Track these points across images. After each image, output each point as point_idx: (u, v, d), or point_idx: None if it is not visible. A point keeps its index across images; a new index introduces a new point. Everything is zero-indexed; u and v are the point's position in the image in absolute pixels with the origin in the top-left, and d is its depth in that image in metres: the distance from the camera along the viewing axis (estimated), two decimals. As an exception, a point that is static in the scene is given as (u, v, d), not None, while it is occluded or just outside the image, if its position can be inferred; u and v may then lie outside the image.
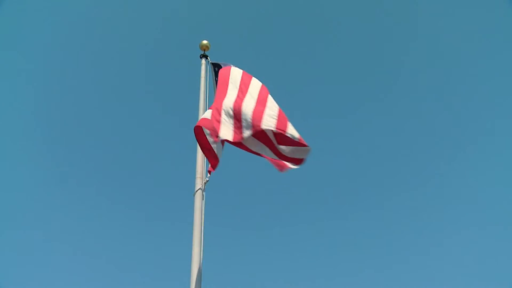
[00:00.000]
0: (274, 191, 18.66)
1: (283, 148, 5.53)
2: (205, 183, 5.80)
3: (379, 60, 20.26)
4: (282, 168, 6.01)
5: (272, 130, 5.31)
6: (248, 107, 5.51)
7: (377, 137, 19.70)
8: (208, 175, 5.77)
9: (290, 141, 5.34)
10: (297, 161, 5.53)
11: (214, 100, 6.00)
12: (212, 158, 5.45)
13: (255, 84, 6.16)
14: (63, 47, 18.44)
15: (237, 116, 5.47)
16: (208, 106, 6.77)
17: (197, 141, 5.49)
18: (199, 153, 6.13)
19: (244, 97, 5.85)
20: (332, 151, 19.74)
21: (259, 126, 5.25)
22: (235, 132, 5.36)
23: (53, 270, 15.14)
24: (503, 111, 17.32)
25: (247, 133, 5.27)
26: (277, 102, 5.82)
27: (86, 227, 16.73)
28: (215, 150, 5.40)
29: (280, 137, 5.44)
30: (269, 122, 5.26)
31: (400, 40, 20.08)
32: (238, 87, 6.12)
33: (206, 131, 5.42)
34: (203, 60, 7.45)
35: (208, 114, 5.61)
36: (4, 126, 16.57)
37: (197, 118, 6.57)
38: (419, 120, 19.40)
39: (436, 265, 15.78)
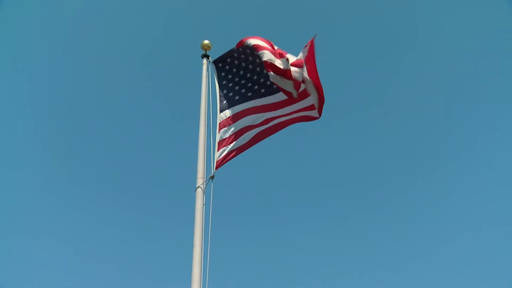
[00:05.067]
0: (276, 191, 18.68)
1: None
2: (211, 177, 5.88)
3: (379, 61, 20.28)
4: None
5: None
6: None
7: (379, 138, 19.72)
8: (214, 170, 5.95)
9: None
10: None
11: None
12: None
13: None
14: (64, 48, 18.46)
15: None
16: (209, 105, 6.82)
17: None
18: (201, 152, 6.16)
19: None
20: (333, 152, 19.75)
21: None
22: None
23: (54, 270, 15.14)
24: (504, 110, 17.35)
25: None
26: None
27: (89, 227, 16.74)
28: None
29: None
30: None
31: (400, 41, 20.11)
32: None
33: None
34: (205, 60, 7.43)
35: None
36: (5, 126, 16.57)
37: (199, 117, 6.60)
38: (421, 121, 19.43)
39: (437, 265, 15.78)
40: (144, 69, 20.04)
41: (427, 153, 18.93)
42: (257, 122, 6.69)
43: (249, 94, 6.98)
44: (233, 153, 6.28)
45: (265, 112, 6.79)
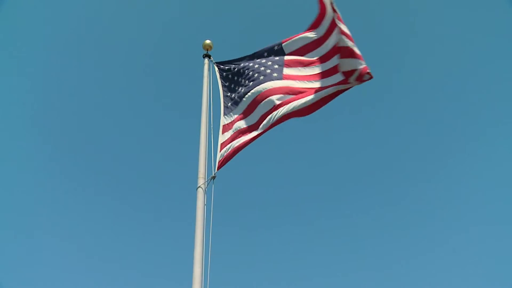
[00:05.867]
0: (277, 191, 18.69)
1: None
2: (212, 177, 5.91)
3: (380, 59, 20.28)
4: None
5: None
6: None
7: (380, 137, 19.73)
8: (216, 170, 5.98)
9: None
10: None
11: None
12: None
13: None
14: (64, 48, 18.45)
15: None
16: (211, 105, 6.83)
17: None
18: (202, 152, 6.18)
19: None
20: (334, 151, 19.76)
21: None
22: None
23: (54, 269, 15.15)
24: (504, 111, 17.36)
25: None
26: None
27: (90, 226, 16.76)
28: None
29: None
30: None
31: (401, 40, 20.12)
32: None
33: None
34: (206, 60, 7.43)
35: None
36: (5, 126, 16.58)
37: (200, 117, 6.62)
38: (422, 120, 19.44)
39: (437, 265, 15.79)
40: (146, 69, 20.07)
41: (426, 153, 18.96)
42: (258, 117, 6.52)
43: (253, 91, 6.91)
44: (234, 151, 6.26)
45: (265, 98, 6.56)
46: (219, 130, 6.59)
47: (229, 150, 6.26)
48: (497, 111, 17.62)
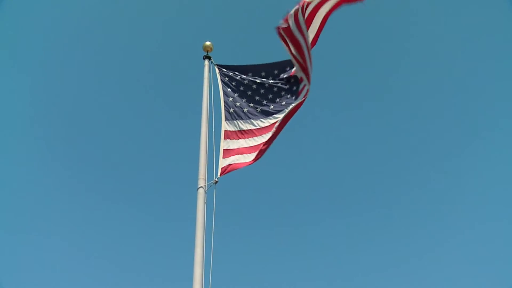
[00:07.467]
0: (278, 192, 18.69)
1: None
2: (214, 182, 5.93)
3: (379, 59, 20.29)
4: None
5: None
6: None
7: (378, 137, 19.73)
8: (219, 175, 6.01)
9: None
10: None
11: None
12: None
13: None
14: (65, 48, 18.44)
15: None
16: (212, 106, 6.83)
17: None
18: (202, 153, 6.17)
19: None
20: (333, 152, 19.77)
21: None
22: None
23: (54, 270, 15.15)
24: (504, 111, 17.37)
25: None
26: None
27: (91, 226, 16.76)
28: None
29: None
30: None
31: (400, 39, 20.12)
32: None
33: None
34: (206, 61, 7.43)
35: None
36: (5, 126, 16.59)
37: (200, 118, 6.62)
38: (420, 120, 19.44)
39: (436, 265, 15.82)
40: (146, 70, 20.04)
41: (426, 153, 18.96)
42: (264, 140, 6.57)
43: (258, 109, 6.96)
44: (240, 165, 6.28)
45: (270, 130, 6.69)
46: (221, 134, 6.58)
47: (236, 162, 6.25)
48: (495, 112, 17.64)
